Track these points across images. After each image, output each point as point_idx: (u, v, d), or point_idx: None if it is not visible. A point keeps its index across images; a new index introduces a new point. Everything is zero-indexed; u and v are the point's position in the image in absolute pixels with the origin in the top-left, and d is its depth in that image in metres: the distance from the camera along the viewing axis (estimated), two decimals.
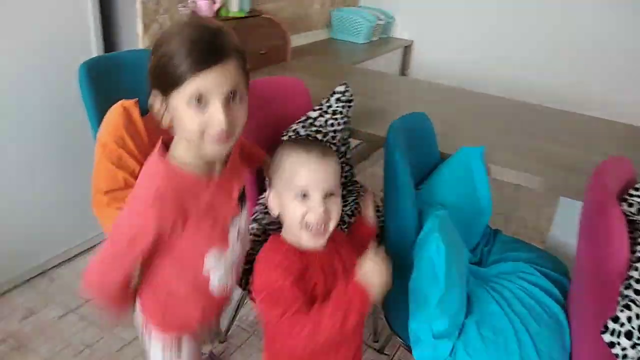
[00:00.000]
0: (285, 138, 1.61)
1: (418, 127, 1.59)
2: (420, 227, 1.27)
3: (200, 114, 0.86)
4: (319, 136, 1.63)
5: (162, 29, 2.20)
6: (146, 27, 2.11)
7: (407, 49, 3.89)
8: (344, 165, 1.78)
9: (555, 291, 1.35)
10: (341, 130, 1.69)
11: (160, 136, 1.83)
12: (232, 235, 1.06)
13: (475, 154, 1.53)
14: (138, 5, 2.04)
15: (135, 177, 1.70)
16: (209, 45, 0.84)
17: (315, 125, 1.64)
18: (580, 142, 1.85)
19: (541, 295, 1.32)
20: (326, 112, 1.66)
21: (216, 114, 0.86)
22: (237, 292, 2.12)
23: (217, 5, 2.27)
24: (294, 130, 1.62)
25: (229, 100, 0.88)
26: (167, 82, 0.86)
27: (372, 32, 3.62)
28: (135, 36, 2.11)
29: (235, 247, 1.08)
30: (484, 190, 1.52)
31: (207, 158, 0.95)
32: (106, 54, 1.99)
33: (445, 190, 1.46)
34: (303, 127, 1.62)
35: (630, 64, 3.21)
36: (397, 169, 1.30)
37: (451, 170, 1.53)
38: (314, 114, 1.64)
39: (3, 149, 1.82)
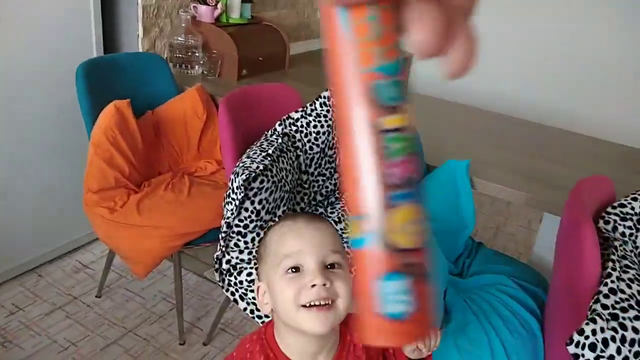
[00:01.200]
0: (267, 134, 1.63)
1: None
2: None
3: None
4: (298, 135, 1.65)
5: (162, 33, 2.23)
6: (146, 31, 2.15)
7: (406, 60, 3.92)
8: (333, 171, 1.81)
9: (532, 304, 1.37)
10: (326, 133, 1.71)
11: (155, 135, 1.85)
12: None
13: (460, 167, 1.55)
14: (139, 9, 2.08)
15: (126, 177, 1.74)
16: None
17: (295, 125, 1.66)
18: (568, 159, 1.88)
19: (518, 307, 1.34)
20: (309, 115, 1.68)
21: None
22: (222, 295, 2.15)
23: (218, 12, 2.30)
24: (273, 129, 1.65)
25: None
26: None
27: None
28: (136, 39, 2.15)
29: None
30: (468, 204, 1.54)
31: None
32: (104, 55, 2.02)
33: (430, 201, 1.48)
34: (280, 124, 1.65)
35: (622, 82, 3.23)
36: None
37: (436, 183, 1.56)
38: (295, 115, 1.67)
39: None
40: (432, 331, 0.44)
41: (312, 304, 0.74)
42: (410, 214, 0.27)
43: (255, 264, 1.44)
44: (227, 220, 1.38)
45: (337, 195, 1.82)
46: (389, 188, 0.27)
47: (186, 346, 1.90)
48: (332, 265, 0.77)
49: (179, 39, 2.21)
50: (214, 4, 2.31)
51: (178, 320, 1.89)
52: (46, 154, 2.02)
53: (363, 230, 0.28)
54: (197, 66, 2.28)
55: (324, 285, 0.74)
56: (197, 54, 2.25)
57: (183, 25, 2.20)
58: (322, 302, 0.73)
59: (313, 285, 0.74)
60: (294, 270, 0.76)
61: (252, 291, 1.44)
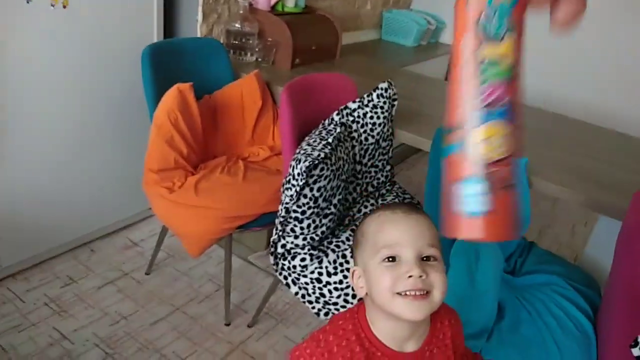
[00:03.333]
0: (325, 123, 1.64)
1: None
2: None
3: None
4: (355, 125, 1.67)
5: (220, 19, 2.27)
6: (205, 16, 2.19)
7: None
8: (385, 163, 1.82)
9: (586, 306, 1.35)
10: (381, 125, 1.72)
11: (212, 119, 1.89)
12: None
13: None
14: None
15: (184, 158, 1.79)
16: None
17: (352, 115, 1.68)
18: (624, 162, 1.84)
19: (571, 308, 1.33)
20: (366, 106, 1.70)
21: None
22: (268, 279, 2.19)
23: (274, 0, 2.32)
24: (331, 118, 1.67)
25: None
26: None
27: (421, 35, 3.63)
28: (195, 24, 2.19)
29: None
30: (524, 202, 1.53)
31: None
32: (167, 39, 2.07)
33: None
34: (338, 114, 1.66)
35: None
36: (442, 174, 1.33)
37: None
38: (352, 105, 1.69)
39: (62, 123, 1.92)
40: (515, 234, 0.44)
41: (408, 293, 0.76)
42: (496, 130, 0.30)
43: (309, 249, 1.47)
44: (286, 206, 1.41)
45: (387, 187, 1.83)
46: (479, 106, 0.31)
47: (231, 327, 1.95)
48: (427, 258, 0.79)
49: (236, 25, 2.24)
50: None
51: (225, 301, 1.94)
52: (107, 134, 2.09)
53: (453, 140, 0.32)
54: (251, 53, 2.32)
55: (420, 277, 0.76)
56: (251, 41, 2.28)
57: (240, 12, 2.23)
58: (418, 293, 0.75)
59: (410, 276, 0.76)
60: (391, 259, 0.78)
61: (304, 276, 1.47)
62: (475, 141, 0.30)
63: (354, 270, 0.86)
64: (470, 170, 0.32)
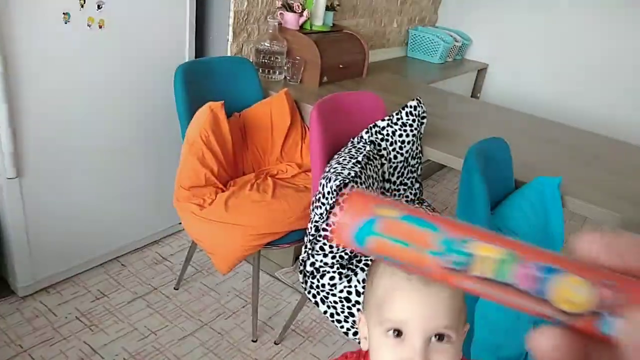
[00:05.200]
0: (354, 141, 1.65)
1: (496, 153, 1.59)
2: None
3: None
4: (384, 143, 1.67)
5: (249, 38, 2.30)
6: (235, 36, 2.22)
7: (480, 72, 3.86)
8: (414, 181, 1.81)
9: None
10: (410, 142, 1.72)
11: (241, 137, 1.92)
12: None
13: (551, 184, 1.52)
14: (231, 14, 2.16)
15: (215, 176, 1.81)
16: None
17: (381, 133, 1.68)
18: None
19: None
20: (395, 124, 1.70)
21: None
22: (295, 296, 2.19)
23: (303, 19, 2.35)
24: (360, 136, 1.67)
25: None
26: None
27: (448, 52, 3.62)
28: (225, 43, 2.23)
29: None
30: (558, 222, 1.50)
31: None
32: (199, 58, 2.11)
33: (518, 218, 1.46)
34: (367, 132, 1.66)
35: None
36: (475, 193, 1.32)
37: (525, 199, 1.53)
38: (381, 123, 1.69)
39: (95, 139, 1.96)
40: None
41: None
42: (569, 284, 0.26)
43: (338, 268, 1.46)
44: (316, 224, 1.41)
45: (416, 205, 1.82)
46: (526, 290, 0.27)
47: (258, 344, 1.95)
48: (440, 337, 0.69)
49: (265, 44, 2.27)
50: (300, 11, 2.36)
51: (252, 318, 1.94)
52: (139, 151, 2.13)
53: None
54: (279, 71, 2.34)
55: None
56: (280, 60, 2.31)
57: (270, 31, 2.26)
58: None
59: None
60: (396, 333, 0.70)
61: (333, 295, 1.46)
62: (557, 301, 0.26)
63: (360, 318, 0.79)
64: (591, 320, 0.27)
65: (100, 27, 1.85)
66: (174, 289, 2.16)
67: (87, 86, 1.88)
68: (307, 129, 2.12)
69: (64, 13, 1.73)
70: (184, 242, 2.45)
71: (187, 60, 2.09)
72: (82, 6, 1.77)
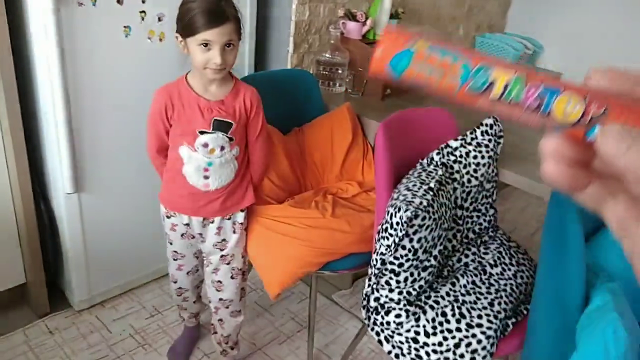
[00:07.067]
0: (423, 163, 1.52)
1: None
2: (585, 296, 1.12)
3: (205, 53, 1.30)
4: (456, 166, 1.53)
5: (310, 49, 2.21)
6: (296, 47, 2.14)
7: None
8: (488, 207, 1.65)
9: None
10: (486, 165, 1.56)
11: (300, 153, 1.83)
12: (198, 142, 1.39)
13: None
14: (292, 25, 2.07)
15: (266, 194, 1.72)
16: (214, 11, 1.27)
17: (454, 155, 1.54)
18: None
19: None
20: (469, 144, 1.55)
21: (215, 55, 1.29)
22: (353, 321, 2.07)
23: (366, 28, 2.24)
24: (430, 158, 1.54)
25: (224, 47, 1.30)
26: (188, 32, 1.30)
27: (518, 60, 3.40)
28: (285, 54, 2.15)
29: (202, 155, 1.40)
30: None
31: (206, 81, 1.39)
32: (259, 72, 2.04)
33: (613, 256, 1.28)
34: (438, 153, 1.53)
35: None
36: (567, 223, 1.16)
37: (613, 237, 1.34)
38: (454, 144, 1.55)
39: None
40: None
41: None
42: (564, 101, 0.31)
43: (405, 305, 1.33)
44: (382, 257, 1.29)
45: (490, 233, 1.66)
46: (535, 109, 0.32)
47: None
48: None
49: (326, 55, 2.17)
50: (363, 20, 2.25)
51: (308, 345, 1.83)
52: None
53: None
54: (340, 83, 2.24)
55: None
56: (341, 71, 2.21)
57: (332, 41, 2.16)
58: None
59: None
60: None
61: (399, 334, 1.33)
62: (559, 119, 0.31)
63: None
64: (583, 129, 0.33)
65: (160, 40, 1.80)
66: None
67: (147, 100, 1.84)
68: (369, 145, 2.00)
69: (124, 26, 1.70)
70: None
71: (246, 73, 2.02)
72: (143, 19, 1.73)
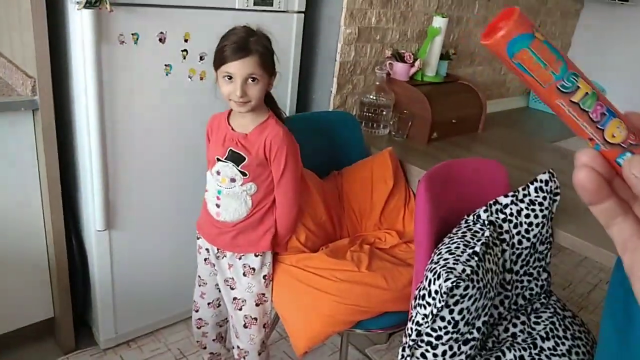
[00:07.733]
0: (469, 221, 1.39)
1: None
2: None
3: (229, 85, 1.34)
4: (506, 225, 1.39)
5: (354, 90, 2.14)
6: (339, 87, 2.07)
7: None
8: (541, 271, 1.50)
9: None
10: (540, 225, 1.42)
11: (339, 198, 1.74)
12: (214, 168, 1.45)
13: None
14: (336, 65, 2.01)
15: (302, 243, 1.63)
16: (238, 45, 1.31)
17: (504, 213, 1.40)
18: None
19: None
20: (521, 201, 1.42)
21: (236, 87, 1.33)
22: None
23: (414, 70, 2.15)
24: (477, 215, 1.40)
25: (246, 80, 1.33)
26: (216, 64, 1.36)
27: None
28: (327, 95, 2.08)
29: (214, 182, 1.47)
30: None
31: (238, 114, 1.43)
32: (301, 113, 1.98)
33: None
34: (486, 210, 1.40)
35: None
36: (633, 304, 1.00)
37: None
38: (504, 200, 1.41)
39: (186, 194, 1.87)
40: None
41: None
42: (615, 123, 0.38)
43: None
44: (418, 328, 1.16)
45: (543, 299, 1.50)
46: (595, 121, 0.38)
47: None
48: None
49: (371, 97, 2.09)
50: (411, 61, 2.16)
51: None
52: None
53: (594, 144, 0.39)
54: (384, 125, 2.14)
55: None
56: (386, 113, 2.12)
57: (377, 82, 2.08)
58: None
59: None
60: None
61: None
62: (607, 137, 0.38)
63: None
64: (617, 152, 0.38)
65: (201, 78, 1.77)
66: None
67: (182, 138, 1.80)
68: (411, 193, 1.89)
69: (165, 65, 1.68)
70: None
71: (287, 114, 1.96)
72: (185, 58, 1.71)
